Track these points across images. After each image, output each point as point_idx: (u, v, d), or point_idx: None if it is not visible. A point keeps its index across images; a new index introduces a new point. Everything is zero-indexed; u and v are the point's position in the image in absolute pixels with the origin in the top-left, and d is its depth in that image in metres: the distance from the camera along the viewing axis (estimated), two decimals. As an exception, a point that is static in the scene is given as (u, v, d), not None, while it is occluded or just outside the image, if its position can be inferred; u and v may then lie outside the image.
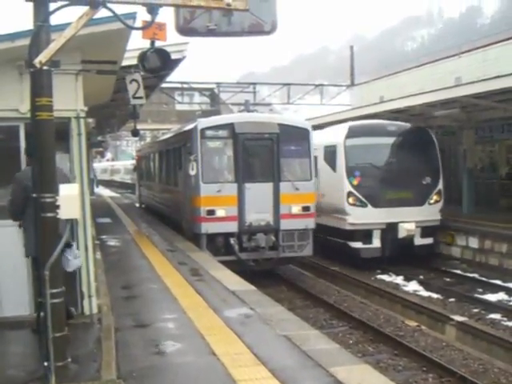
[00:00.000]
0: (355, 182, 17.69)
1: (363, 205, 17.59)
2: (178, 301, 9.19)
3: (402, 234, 17.39)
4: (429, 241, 18.01)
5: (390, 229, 17.41)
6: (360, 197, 17.59)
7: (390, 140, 18.31)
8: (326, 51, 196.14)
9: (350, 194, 17.62)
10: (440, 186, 18.33)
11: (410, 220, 17.42)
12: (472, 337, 11.39)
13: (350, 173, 17.74)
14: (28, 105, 5.40)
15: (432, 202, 18.11)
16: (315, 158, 18.92)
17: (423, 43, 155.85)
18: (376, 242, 17.55)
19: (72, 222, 6.73)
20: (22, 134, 7.61)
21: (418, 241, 17.76)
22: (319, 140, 19.23)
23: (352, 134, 18.06)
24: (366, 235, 17.54)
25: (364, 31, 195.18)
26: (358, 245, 17.57)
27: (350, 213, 17.57)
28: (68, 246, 6.79)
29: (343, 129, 18.61)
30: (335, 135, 18.85)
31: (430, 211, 18.00)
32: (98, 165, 71.95)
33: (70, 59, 6.98)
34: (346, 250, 17.95)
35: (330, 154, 18.66)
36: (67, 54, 5.85)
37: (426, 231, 17.84)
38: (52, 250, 5.26)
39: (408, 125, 18.99)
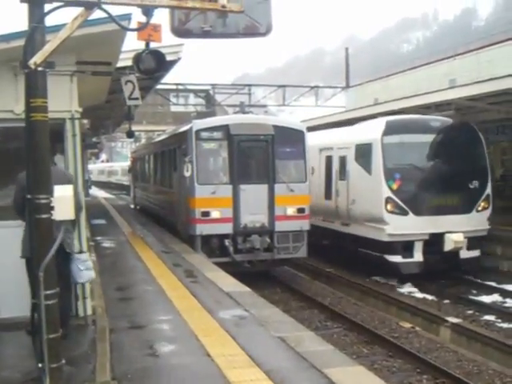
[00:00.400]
0: (395, 186, 15.42)
1: (404, 212, 15.36)
2: (172, 302, 9.19)
3: (448, 246, 15.27)
4: (475, 253, 15.90)
5: (434, 240, 15.32)
6: (400, 203, 15.36)
7: (434, 137, 16.11)
8: (321, 52, 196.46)
9: (388, 199, 15.36)
10: (488, 190, 16.26)
11: (456, 230, 15.31)
12: (466, 338, 11.41)
13: (389, 175, 15.46)
14: (23, 106, 5.39)
15: (480, 209, 16.04)
16: (344, 157, 17.46)
17: (418, 45, 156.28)
18: (417, 256, 15.39)
19: (70, 229, 6.74)
20: None
21: (464, 254, 15.61)
22: (349, 138, 17.69)
23: (390, 130, 15.77)
24: (405, 248, 15.40)
25: (359, 33, 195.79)
26: (396, 259, 15.38)
27: (389, 222, 15.33)
28: (74, 255, 6.82)
29: (379, 124, 16.28)
30: (370, 132, 16.53)
31: (478, 220, 15.96)
32: (96, 166, 71.71)
33: (64, 60, 6.97)
34: (381, 265, 15.87)
35: (364, 153, 16.34)
36: (62, 55, 5.83)
37: (472, 242, 15.71)
38: (46, 252, 5.25)
39: (450, 120, 16.69)
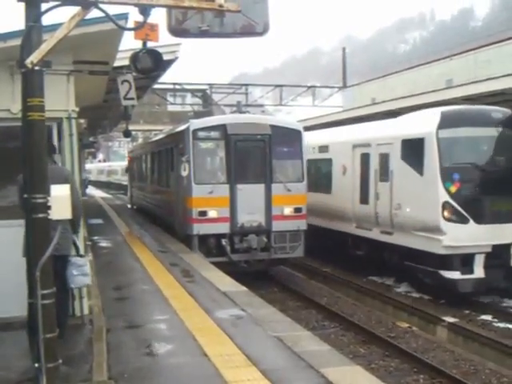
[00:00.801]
0: (453, 189, 13.09)
1: (463, 220, 13.04)
2: (169, 302, 9.19)
3: None
4: None
5: (498, 253, 13.12)
6: (460, 209, 13.02)
7: (497, 131, 13.71)
8: (318, 52, 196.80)
9: (446, 205, 13.02)
10: None
11: None
12: (463, 338, 11.42)
13: (447, 176, 13.10)
14: (19, 105, 5.39)
15: None
16: (386, 155, 15.21)
17: (415, 45, 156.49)
18: (478, 272, 13.07)
19: (68, 229, 6.69)
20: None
21: None
22: (392, 132, 15.28)
23: (447, 122, 13.37)
24: (464, 262, 13.15)
25: (356, 33, 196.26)
26: (454, 275, 13.06)
27: (446, 231, 12.99)
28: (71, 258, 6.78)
29: (432, 116, 13.82)
30: (420, 125, 14.07)
31: None
32: (95, 166, 71.62)
33: (61, 59, 6.98)
34: (435, 281, 13.71)
35: (414, 150, 13.90)
36: (59, 54, 5.83)
37: None
38: (43, 251, 5.24)
39: (510, 111, 14.17)
